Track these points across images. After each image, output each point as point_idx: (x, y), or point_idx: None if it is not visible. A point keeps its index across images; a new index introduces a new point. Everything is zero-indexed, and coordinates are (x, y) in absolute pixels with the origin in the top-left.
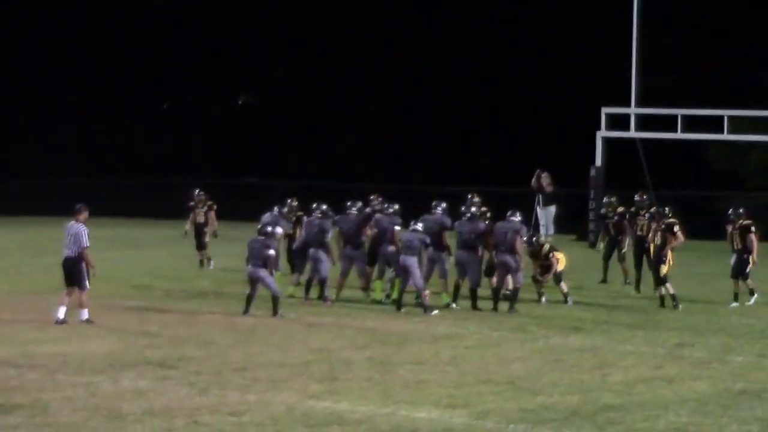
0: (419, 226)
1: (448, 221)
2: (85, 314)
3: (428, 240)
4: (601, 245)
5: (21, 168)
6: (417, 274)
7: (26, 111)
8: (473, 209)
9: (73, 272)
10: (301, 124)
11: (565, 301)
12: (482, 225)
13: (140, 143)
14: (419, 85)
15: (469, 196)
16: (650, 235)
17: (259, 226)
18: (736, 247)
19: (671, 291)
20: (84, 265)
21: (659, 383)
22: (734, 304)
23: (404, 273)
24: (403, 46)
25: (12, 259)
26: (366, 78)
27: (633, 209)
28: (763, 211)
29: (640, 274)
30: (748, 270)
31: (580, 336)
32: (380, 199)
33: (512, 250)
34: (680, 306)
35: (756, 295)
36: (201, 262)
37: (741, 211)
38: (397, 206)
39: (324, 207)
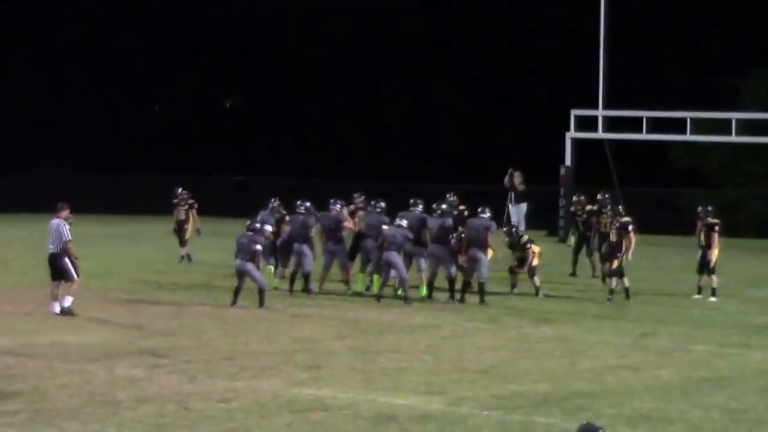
0: (404, 222)
1: (426, 218)
2: (67, 301)
3: (411, 235)
4: (572, 239)
5: (21, 166)
6: (401, 266)
7: (27, 112)
8: (443, 206)
9: (57, 266)
10: (286, 125)
11: (536, 294)
12: (449, 221)
13: (134, 143)
14: (397, 89)
15: (447, 195)
16: (609, 233)
17: (248, 223)
18: (701, 244)
19: (627, 284)
20: (67, 258)
21: (625, 371)
22: (697, 297)
23: (386, 267)
24: (380, 53)
25: (12, 252)
26: (347, 81)
27: (596, 207)
28: (723, 208)
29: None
30: (712, 266)
31: (550, 326)
32: (363, 196)
33: (482, 245)
34: (632, 299)
35: (718, 297)
36: (182, 258)
37: (709, 209)
38: (383, 204)
39: (308, 204)
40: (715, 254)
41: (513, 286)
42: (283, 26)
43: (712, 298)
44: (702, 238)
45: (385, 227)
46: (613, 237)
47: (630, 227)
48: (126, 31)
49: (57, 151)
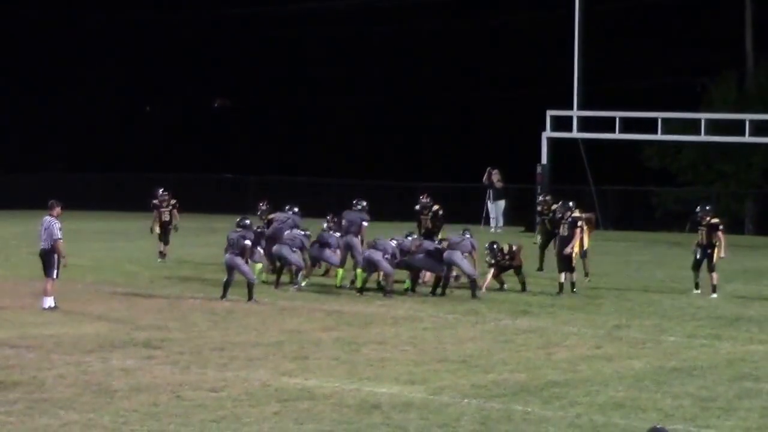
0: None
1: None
2: (47, 302)
3: (398, 255)
4: (538, 237)
5: (20, 164)
6: (384, 263)
7: (28, 113)
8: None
9: (46, 262)
10: (272, 125)
11: (522, 290)
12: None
13: (128, 143)
14: (378, 91)
15: (420, 197)
16: (561, 228)
17: (238, 219)
18: (701, 243)
19: (573, 279)
20: (56, 256)
21: (599, 361)
22: (696, 292)
23: (369, 265)
24: (362, 55)
25: (10, 248)
26: (330, 83)
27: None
28: (693, 205)
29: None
30: (714, 263)
31: (527, 318)
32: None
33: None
34: (576, 291)
35: (717, 294)
36: (161, 254)
37: (708, 208)
38: (365, 203)
39: (296, 209)
40: (720, 252)
41: (501, 284)
42: (269, 30)
43: (713, 295)
44: (703, 237)
45: (365, 224)
46: (564, 231)
47: (579, 222)
48: (120, 35)
49: (54, 151)
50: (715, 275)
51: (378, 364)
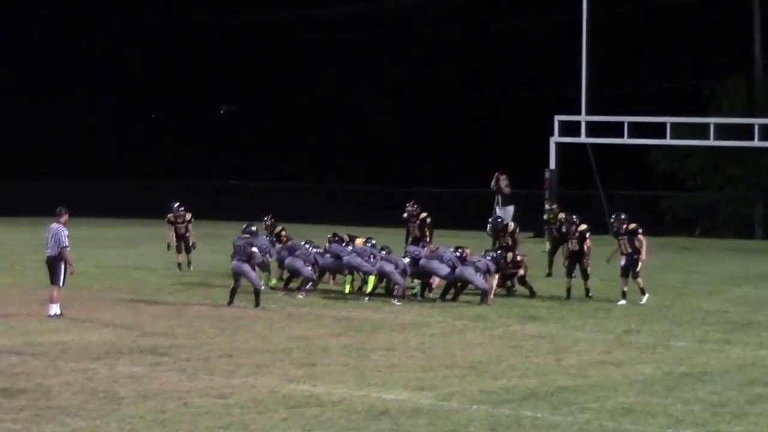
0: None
1: None
2: (53, 309)
3: (408, 270)
4: (547, 245)
5: (25, 171)
6: (396, 274)
7: (33, 120)
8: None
9: (52, 269)
10: (278, 131)
11: (531, 296)
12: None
13: (133, 149)
14: (387, 97)
15: (407, 205)
16: (566, 244)
17: (244, 226)
18: (625, 251)
19: (588, 285)
20: (63, 263)
21: (609, 366)
22: (622, 302)
23: (381, 276)
24: (370, 62)
25: (16, 255)
26: (338, 90)
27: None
28: (702, 209)
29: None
30: (638, 269)
31: (536, 324)
32: None
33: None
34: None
35: (647, 295)
36: (179, 265)
37: (623, 217)
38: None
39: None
40: (642, 255)
41: (508, 289)
42: (276, 36)
43: (643, 299)
44: (625, 245)
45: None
46: (573, 246)
47: (588, 234)
48: (125, 42)
49: (59, 158)
50: (640, 280)
51: (386, 371)
